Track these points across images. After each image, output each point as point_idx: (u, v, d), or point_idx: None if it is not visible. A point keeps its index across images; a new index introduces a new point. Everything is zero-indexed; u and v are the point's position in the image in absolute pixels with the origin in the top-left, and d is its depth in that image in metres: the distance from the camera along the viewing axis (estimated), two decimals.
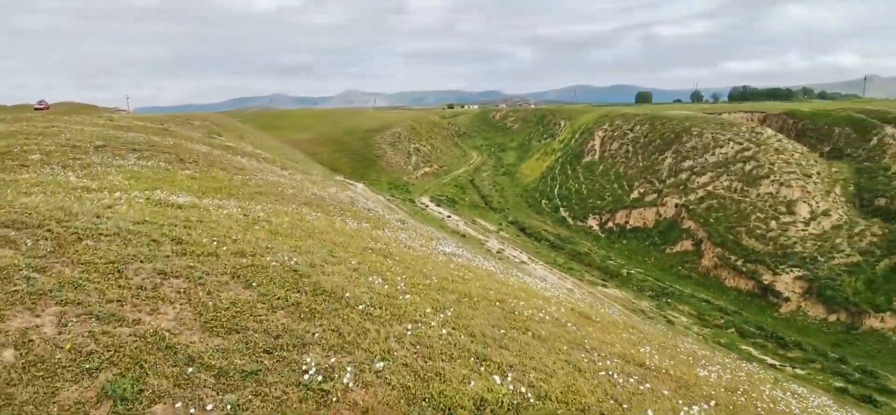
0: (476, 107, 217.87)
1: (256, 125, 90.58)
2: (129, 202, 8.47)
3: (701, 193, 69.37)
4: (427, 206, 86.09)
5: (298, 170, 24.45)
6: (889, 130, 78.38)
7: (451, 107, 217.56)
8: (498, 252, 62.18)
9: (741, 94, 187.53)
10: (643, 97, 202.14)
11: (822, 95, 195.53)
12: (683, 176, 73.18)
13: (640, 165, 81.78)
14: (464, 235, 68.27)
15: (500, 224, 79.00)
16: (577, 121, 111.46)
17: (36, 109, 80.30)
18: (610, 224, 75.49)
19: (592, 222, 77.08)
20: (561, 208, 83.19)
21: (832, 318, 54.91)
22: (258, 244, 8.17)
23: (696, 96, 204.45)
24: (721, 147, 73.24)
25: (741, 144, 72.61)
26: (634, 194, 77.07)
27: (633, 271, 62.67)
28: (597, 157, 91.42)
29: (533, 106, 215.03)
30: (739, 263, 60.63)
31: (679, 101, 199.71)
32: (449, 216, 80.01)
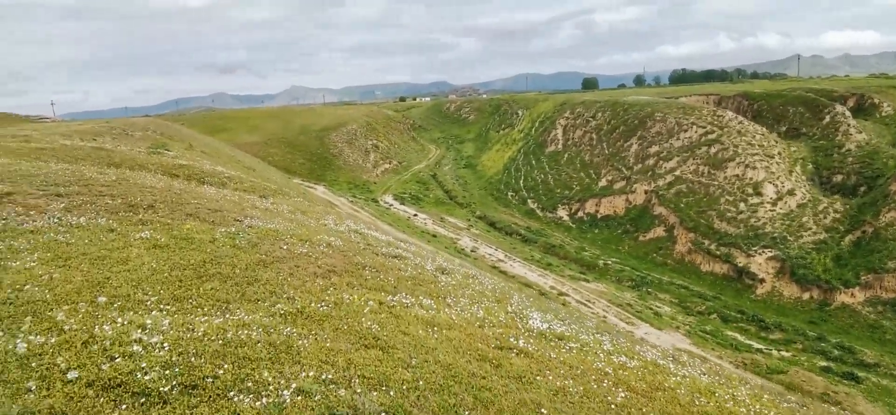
0: (428, 99, 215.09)
1: (202, 129, 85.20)
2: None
3: (669, 178, 69.08)
4: (391, 205, 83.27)
5: (279, 191, 21.22)
6: (839, 108, 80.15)
7: (403, 99, 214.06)
8: (472, 251, 60.17)
9: (681, 77, 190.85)
10: (589, 83, 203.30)
11: (755, 75, 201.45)
12: (650, 162, 72.79)
13: (606, 152, 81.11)
14: (434, 235, 65.95)
15: (469, 220, 76.99)
16: (536, 109, 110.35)
17: None
18: (580, 214, 74.51)
19: (562, 213, 75.93)
20: (529, 200, 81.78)
21: (806, 296, 55.39)
22: None
23: (639, 80, 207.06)
24: (685, 131, 73.16)
25: (704, 127, 72.72)
26: (602, 182, 76.31)
27: (609, 262, 61.74)
28: (561, 146, 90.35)
29: (484, 95, 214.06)
30: (713, 247, 60.51)
31: (623, 85, 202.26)
32: (415, 215, 77.47)
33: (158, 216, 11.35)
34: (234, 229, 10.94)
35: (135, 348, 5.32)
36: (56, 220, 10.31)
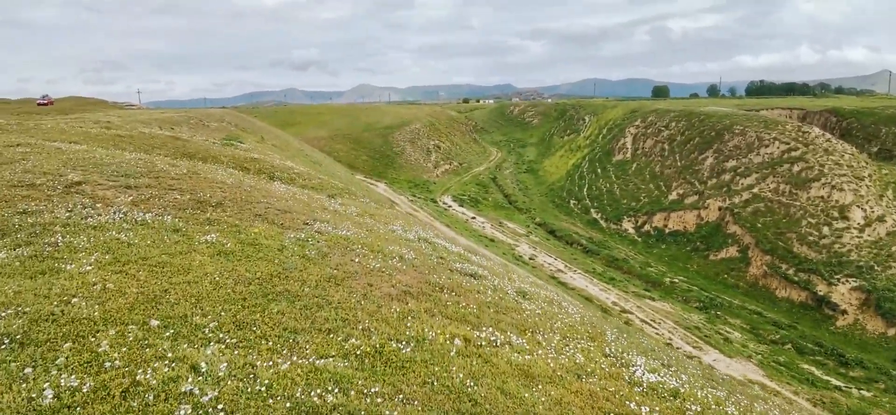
0: (492, 101, 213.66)
1: (273, 122, 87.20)
2: None
3: (746, 195, 65.09)
4: (450, 206, 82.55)
5: (346, 191, 20.59)
6: None
7: (466, 101, 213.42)
8: (530, 259, 58.56)
9: (758, 89, 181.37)
10: (660, 91, 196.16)
11: (839, 90, 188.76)
12: (726, 177, 68.86)
13: (678, 164, 77.47)
14: (492, 240, 64.73)
15: (528, 226, 75.21)
16: (604, 116, 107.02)
17: (39, 104, 76.52)
18: (646, 227, 71.39)
19: (627, 225, 73.01)
20: (592, 210, 79.17)
21: (892, 332, 50.85)
22: None
23: (713, 90, 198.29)
24: (766, 147, 68.80)
25: (788, 143, 68.15)
26: (673, 196, 72.86)
27: (676, 280, 58.68)
28: (629, 155, 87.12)
29: (549, 100, 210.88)
30: (791, 271, 56.45)
31: (696, 95, 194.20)
32: (473, 218, 76.42)
33: (226, 215, 10.72)
34: (303, 235, 10.17)
35: (182, 410, 4.41)
36: (121, 215, 9.81)
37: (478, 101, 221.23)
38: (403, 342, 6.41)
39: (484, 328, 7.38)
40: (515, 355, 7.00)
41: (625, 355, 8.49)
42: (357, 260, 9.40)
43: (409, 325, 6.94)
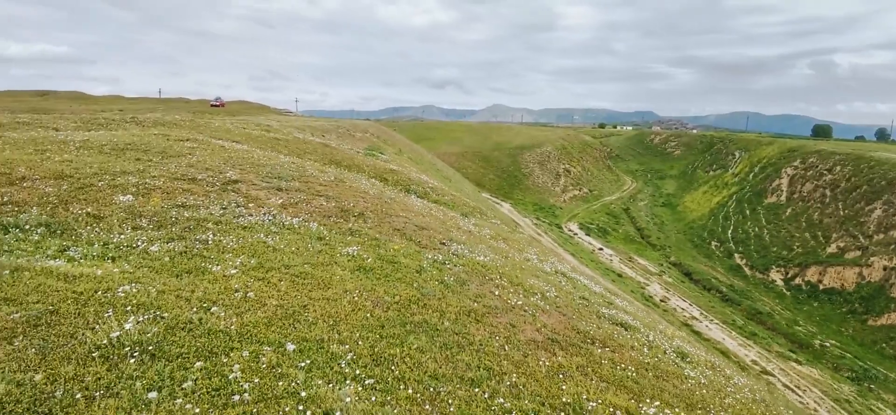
0: (630, 128, 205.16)
1: (410, 136, 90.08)
2: None
3: None
4: (575, 234, 79.81)
5: (478, 211, 20.13)
6: None
7: (602, 126, 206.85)
8: (661, 301, 54.58)
9: None
10: (822, 131, 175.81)
11: None
12: None
13: (841, 213, 68.62)
14: (620, 275, 61.35)
15: (661, 265, 70.38)
16: (757, 153, 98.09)
17: (212, 105, 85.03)
18: (797, 280, 63.81)
19: (775, 275, 65.78)
20: (735, 254, 72.43)
21: None
22: None
23: (882, 134, 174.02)
24: None
25: None
26: (831, 248, 64.55)
27: (827, 343, 51.64)
28: (784, 198, 78.82)
29: (694, 130, 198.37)
30: None
31: (862, 138, 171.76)
32: (601, 249, 73.11)
33: (367, 227, 10.50)
34: (441, 257, 9.64)
35: None
36: (270, 218, 9.89)
37: (615, 126, 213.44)
38: (558, 410, 5.44)
39: (647, 401, 6.20)
40: None
41: None
42: (496, 293, 8.64)
43: (562, 388, 5.97)
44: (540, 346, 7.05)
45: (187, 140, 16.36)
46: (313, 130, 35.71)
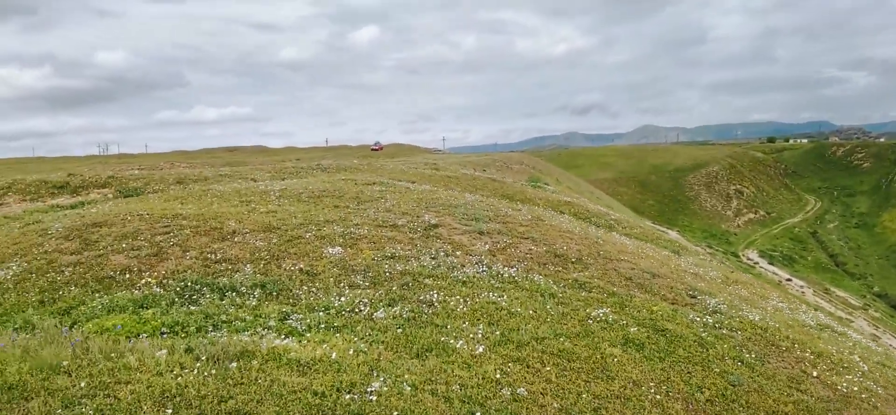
0: (805, 140, 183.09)
1: (558, 164, 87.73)
2: None
3: None
4: (756, 263, 71.34)
5: (682, 247, 17.66)
6: None
7: (771, 140, 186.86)
8: (872, 339, 46.03)
9: None
10: None
11: None
12: None
13: None
14: (816, 310, 53.19)
15: (865, 297, 60.32)
16: None
17: (372, 149, 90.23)
18: None
19: None
20: None
21: None
22: None
23: None
24: None
25: None
26: None
27: None
28: None
29: (882, 139, 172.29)
30: None
31: None
32: (788, 279, 64.28)
33: (595, 278, 8.93)
34: (708, 319, 7.77)
35: None
36: (484, 269, 8.71)
37: (787, 139, 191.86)
38: None
39: None
40: None
41: None
42: (815, 374, 6.44)
43: None
44: None
45: (374, 184, 16.19)
46: (473, 165, 35.40)
